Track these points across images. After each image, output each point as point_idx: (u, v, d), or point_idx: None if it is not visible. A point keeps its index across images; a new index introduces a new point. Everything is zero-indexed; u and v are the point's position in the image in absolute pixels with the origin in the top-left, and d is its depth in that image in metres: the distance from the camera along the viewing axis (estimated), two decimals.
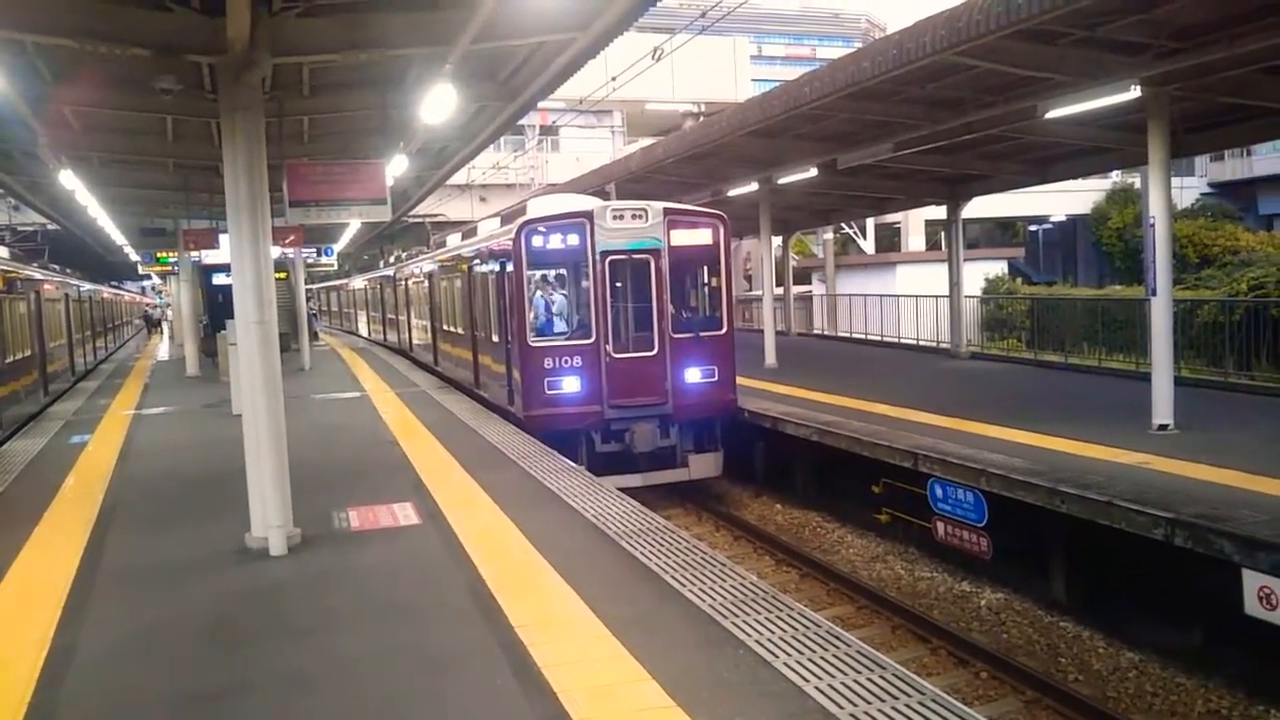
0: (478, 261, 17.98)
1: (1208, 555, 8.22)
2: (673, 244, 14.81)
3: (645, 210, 14.81)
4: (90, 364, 31.31)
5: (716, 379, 15.11)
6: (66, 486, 11.50)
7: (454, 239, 23.89)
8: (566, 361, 14.53)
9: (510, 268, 14.93)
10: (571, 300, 15.13)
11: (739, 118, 16.77)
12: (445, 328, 22.58)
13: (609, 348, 14.56)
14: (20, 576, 8.01)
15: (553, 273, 15.26)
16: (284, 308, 24.43)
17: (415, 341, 28.44)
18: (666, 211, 14.88)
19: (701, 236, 15.17)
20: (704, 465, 15.36)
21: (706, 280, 15.80)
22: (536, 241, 14.67)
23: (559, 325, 15.03)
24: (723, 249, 15.30)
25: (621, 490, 10.39)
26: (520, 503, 9.67)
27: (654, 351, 14.75)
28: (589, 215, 14.62)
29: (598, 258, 14.50)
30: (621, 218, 14.69)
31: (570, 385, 14.51)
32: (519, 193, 39.54)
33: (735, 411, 15.50)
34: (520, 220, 14.97)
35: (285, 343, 20.62)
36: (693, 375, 14.92)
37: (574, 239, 14.62)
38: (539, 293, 15.03)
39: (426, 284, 25.01)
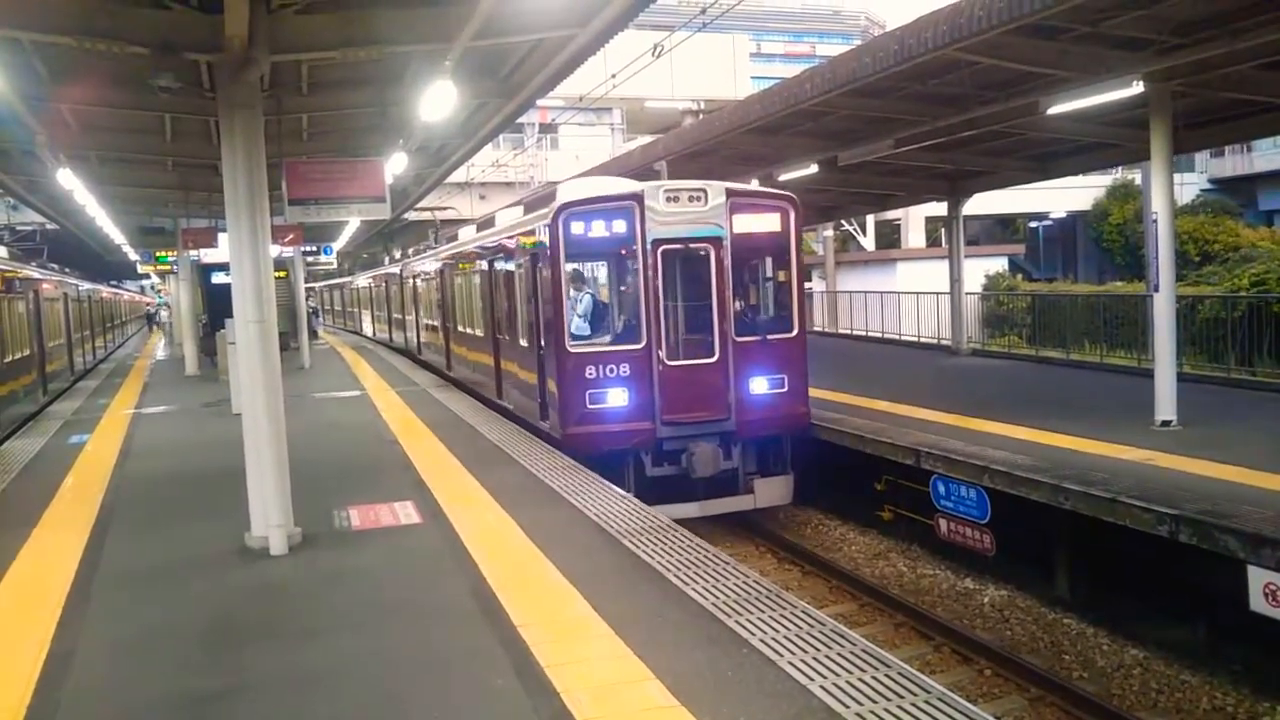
0: (501, 255, 16.07)
1: (1213, 552, 8.19)
2: (735, 231, 12.76)
3: (704, 191, 12.71)
4: (89, 363, 31.26)
5: (786, 389, 13.07)
6: (66, 486, 11.46)
7: (467, 231, 22.13)
8: (612, 370, 12.55)
9: (544, 260, 12.97)
10: (617, 298, 13.36)
11: (739, 115, 16.71)
12: (460, 329, 20.54)
13: (662, 354, 12.59)
14: (20, 577, 7.97)
15: (595, 265, 13.53)
16: (283, 306, 24.40)
17: (424, 342, 26.74)
18: (729, 193, 12.81)
19: (769, 222, 13.12)
20: (772, 491, 13.39)
21: (773, 274, 13.74)
22: (576, 228, 12.58)
23: (603, 328, 13.12)
24: (793, 237, 13.27)
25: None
26: (522, 501, 9.64)
27: (714, 358, 12.74)
28: (638, 197, 12.54)
29: (649, 247, 12.50)
30: (676, 200, 12.61)
31: (616, 398, 12.53)
32: (518, 190, 39.47)
33: (808, 427, 13.56)
34: (557, 204, 12.81)
35: (285, 341, 20.59)
36: (759, 385, 12.93)
37: (620, 225, 12.54)
38: (578, 289, 13.11)
39: (438, 281, 23.21)
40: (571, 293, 12.95)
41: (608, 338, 12.98)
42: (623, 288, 13.28)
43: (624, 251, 12.84)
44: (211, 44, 8.03)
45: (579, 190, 13.55)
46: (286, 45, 8.64)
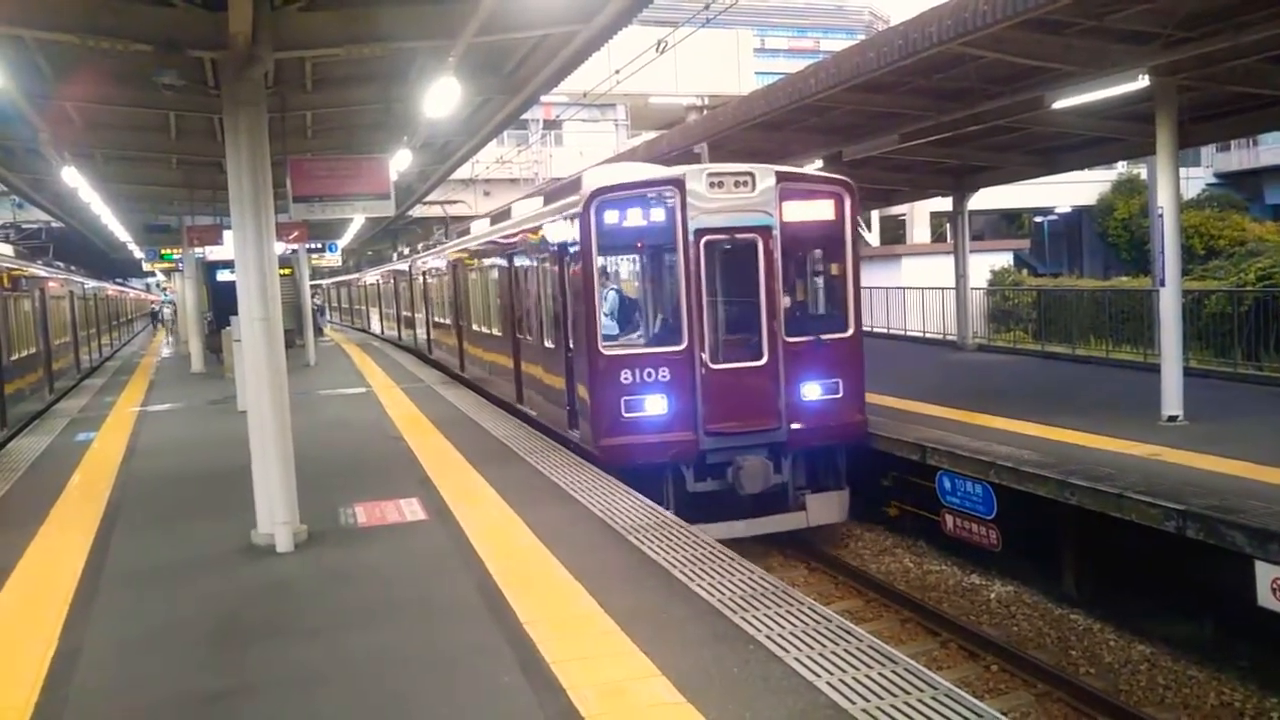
0: (522, 249, 14.93)
1: (1220, 547, 8.16)
2: (786, 220, 11.61)
3: (751, 175, 11.58)
4: (95, 361, 31.32)
5: (841, 395, 11.96)
6: (72, 484, 11.49)
7: (480, 225, 20.96)
8: (649, 375, 11.38)
9: (574, 253, 11.80)
10: (654, 294, 12.23)
11: (744, 110, 16.69)
12: (476, 328, 19.27)
13: (705, 356, 11.44)
14: (26, 575, 7.99)
15: (631, 259, 12.45)
16: (288, 304, 24.44)
17: (435, 340, 25.60)
18: (780, 177, 11.68)
19: (821, 210, 11.96)
20: (825, 508, 12.24)
21: (826, 267, 12.59)
22: (610, 217, 11.39)
23: (630, 327, 12.17)
24: (848, 226, 12.08)
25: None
26: (527, 498, 9.64)
27: (762, 361, 11.60)
28: (679, 182, 11.40)
29: (691, 238, 11.36)
30: (721, 185, 11.45)
31: (655, 406, 11.39)
32: (523, 186, 39.56)
33: (864, 437, 12.46)
34: (589, 190, 11.61)
35: (290, 339, 20.59)
36: (811, 391, 11.80)
37: (659, 214, 11.40)
38: (610, 285, 12.14)
39: (450, 277, 22.04)
40: (624, 286, 12.24)
41: (640, 337, 12.00)
42: (660, 283, 12.08)
43: (663, 243, 11.61)
44: (215, 41, 8.04)
45: (608, 177, 12.40)
46: (290, 42, 8.65)
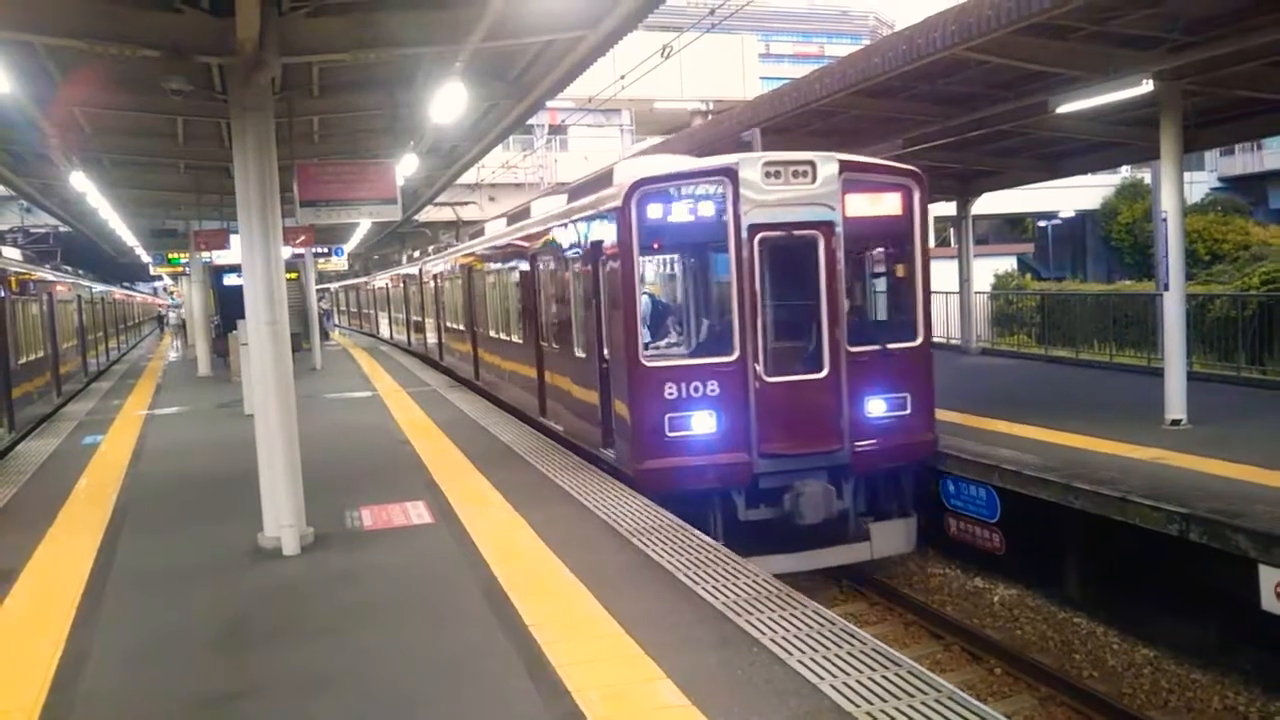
0: (546, 249, 13.81)
1: (1224, 551, 8.17)
2: (849, 215, 10.43)
3: (812, 164, 10.35)
4: (103, 365, 31.42)
5: (909, 411, 10.82)
6: (80, 487, 11.53)
7: (496, 226, 19.78)
8: (697, 389, 10.14)
9: (611, 252, 10.60)
10: (702, 299, 11.33)
11: (750, 114, 16.70)
12: (493, 335, 18.09)
13: (759, 368, 10.21)
14: (34, 577, 8.03)
15: (676, 258, 11.45)
16: (295, 308, 24.50)
17: (447, 345, 24.47)
18: (843, 166, 10.47)
19: (887, 204, 10.79)
20: (891, 538, 11.03)
21: (891, 268, 11.63)
22: (653, 212, 10.12)
23: (661, 333, 11.20)
24: (917, 222, 10.96)
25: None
26: (533, 501, 9.67)
27: (823, 373, 10.38)
28: (731, 172, 10.14)
29: (744, 235, 10.13)
30: (778, 175, 10.21)
31: (702, 424, 10.14)
32: (528, 191, 39.59)
33: (933, 457, 11.37)
34: (630, 181, 10.29)
35: (297, 343, 20.65)
36: (876, 407, 10.63)
37: (708, 208, 10.21)
38: (650, 288, 11.15)
39: (463, 280, 20.92)
40: (667, 289, 11.32)
41: (686, 347, 11.01)
42: (708, 286, 11.21)
43: (712, 240, 10.53)
44: (223, 47, 8.08)
45: (645, 168, 11.11)
46: (297, 47, 8.69)
